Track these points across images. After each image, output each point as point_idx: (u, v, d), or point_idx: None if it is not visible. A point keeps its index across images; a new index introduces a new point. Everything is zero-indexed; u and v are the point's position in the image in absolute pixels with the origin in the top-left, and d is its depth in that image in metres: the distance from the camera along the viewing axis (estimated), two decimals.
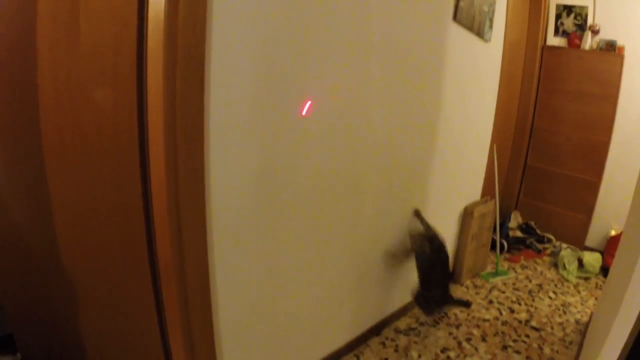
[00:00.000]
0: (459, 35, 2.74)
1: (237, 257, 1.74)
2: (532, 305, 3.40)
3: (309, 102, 1.80)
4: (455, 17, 2.60)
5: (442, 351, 2.75)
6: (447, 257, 2.79)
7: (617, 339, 1.59)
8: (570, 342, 2.95)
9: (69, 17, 1.53)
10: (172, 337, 1.63)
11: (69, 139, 1.67)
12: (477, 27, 2.89)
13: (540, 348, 2.86)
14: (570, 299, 3.57)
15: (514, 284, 3.73)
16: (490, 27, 3.07)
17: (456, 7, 2.57)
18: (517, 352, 2.80)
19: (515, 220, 4.65)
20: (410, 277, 3.02)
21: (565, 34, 4.37)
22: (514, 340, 2.91)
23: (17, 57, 1.69)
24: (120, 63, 1.46)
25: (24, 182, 1.86)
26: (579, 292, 3.70)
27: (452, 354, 2.73)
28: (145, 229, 1.55)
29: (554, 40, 4.43)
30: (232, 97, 1.53)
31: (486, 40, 3.09)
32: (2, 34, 1.70)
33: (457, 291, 3.49)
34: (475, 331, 2.96)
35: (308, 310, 2.22)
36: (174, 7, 1.30)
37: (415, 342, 2.78)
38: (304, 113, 1.80)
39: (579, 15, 4.27)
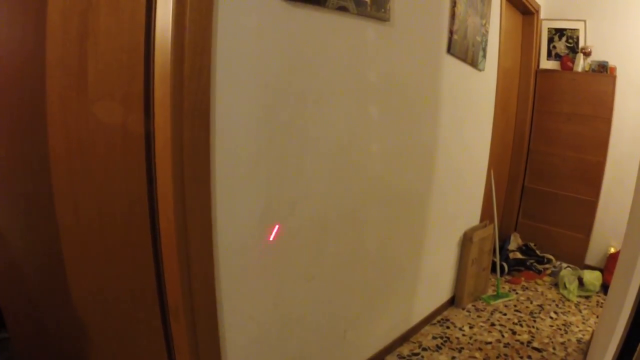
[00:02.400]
0: (453, 66, 2.81)
1: (244, 293, 1.78)
2: (533, 326, 3.42)
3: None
4: (449, 50, 2.67)
5: None
6: None
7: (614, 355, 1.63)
8: None
9: (78, 66, 1.60)
10: None
11: (79, 182, 1.72)
12: (471, 58, 2.97)
13: None
14: (572, 319, 3.60)
15: (515, 305, 3.76)
16: (484, 56, 3.16)
17: (450, 40, 2.65)
18: None
19: (515, 242, 4.69)
20: (410, 304, 3.06)
21: (558, 57, 4.46)
22: None
23: (28, 105, 1.75)
24: (128, 111, 1.52)
25: (32, 220, 1.91)
26: (580, 311, 3.73)
27: None
28: (154, 268, 1.60)
29: (547, 64, 4.52)
30: (237, 141, 1.59)
31: (480, 70, 3.17)
32: (12, 81, 1.76)
33: (458, 315, 3.52)
34: (477, 354, 2.99)
35: (312, 341, 2.24)
36: (179, 57, 1.36)
37: None
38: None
39: (571, 38, 4.36)
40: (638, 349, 1.22)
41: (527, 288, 4.12)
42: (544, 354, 3.06)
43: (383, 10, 2.05)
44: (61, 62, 1.64)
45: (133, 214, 1.62)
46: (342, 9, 1.86)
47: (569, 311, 3.73)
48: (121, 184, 1.63)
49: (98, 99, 1.60)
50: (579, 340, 3.26)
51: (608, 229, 4.39)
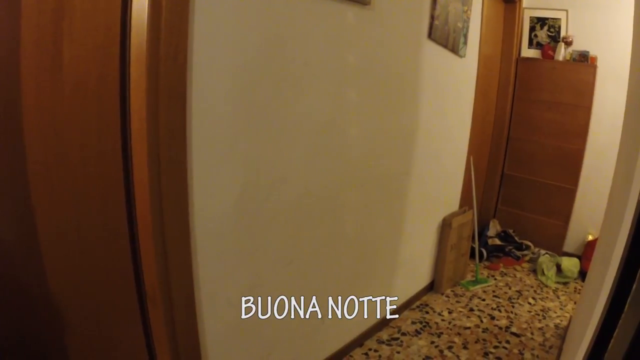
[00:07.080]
0: (434, 52, 2.81)
1: (221, 276, 1.77)
2: (512, 312, 3.46)
3: None
4: (430, 35, 2.67)
5: None
6: None
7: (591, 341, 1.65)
8: (550, 347, 3.02)
9: (53, 47, 1.56)
10: (160, 357, 1.66)
11: (54, 165, 1.69)
12: (452, 44, 2.96)
13: (521, 353, 2.92)
14: (550, 304, 3.64)
15: (493, 291, 3.80)
16: (465, 42, 3.15)
17: (431, 25, 2.64)
18: (498, 358, 2.85)
19: (493, 228, 4.72)
20: (389, 288, 3.08)
21: (539, 45, 4.48)
22: (495, 347, 2.97)
23: (3, 89, 1.71)
24: (103, 92, 1.49)
25: (9, 214, 1.88)
26: (558, 297, 3.78)
27: None
28: (131, 254, 1.58)
29: (528, 52, 4.53)
30: (213, 123, 1.57)
31: (461, 56, 3.17)
32: None
33: (437, 300, 3.55)
34: (456, 339, 3.02)
35: (291, 326, 2.24)
36: (156, 37, 1.34)
37: (398, 352, 2.82)
38: None
39: (552, 27, 4.37)
40: (614, 335, 1.23)
41: (505, 274, 4.17)
42: (522, 339, 3.10)
43: None
44: (36, 44, 1.61)
45: (109, 198, 1.60)
46: None
47: (547, 297, 3.78)
48: (97, 168, 1.61)
49: (73, 80, 1.57)
50: (556, 326, 3.30)
51: (586, 216, 4.44)
